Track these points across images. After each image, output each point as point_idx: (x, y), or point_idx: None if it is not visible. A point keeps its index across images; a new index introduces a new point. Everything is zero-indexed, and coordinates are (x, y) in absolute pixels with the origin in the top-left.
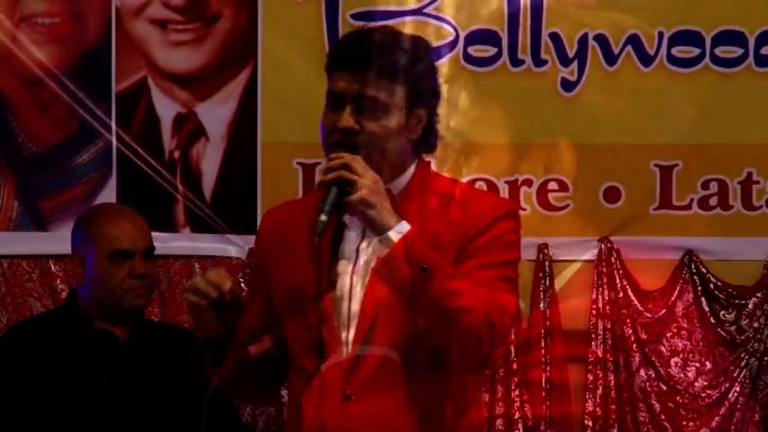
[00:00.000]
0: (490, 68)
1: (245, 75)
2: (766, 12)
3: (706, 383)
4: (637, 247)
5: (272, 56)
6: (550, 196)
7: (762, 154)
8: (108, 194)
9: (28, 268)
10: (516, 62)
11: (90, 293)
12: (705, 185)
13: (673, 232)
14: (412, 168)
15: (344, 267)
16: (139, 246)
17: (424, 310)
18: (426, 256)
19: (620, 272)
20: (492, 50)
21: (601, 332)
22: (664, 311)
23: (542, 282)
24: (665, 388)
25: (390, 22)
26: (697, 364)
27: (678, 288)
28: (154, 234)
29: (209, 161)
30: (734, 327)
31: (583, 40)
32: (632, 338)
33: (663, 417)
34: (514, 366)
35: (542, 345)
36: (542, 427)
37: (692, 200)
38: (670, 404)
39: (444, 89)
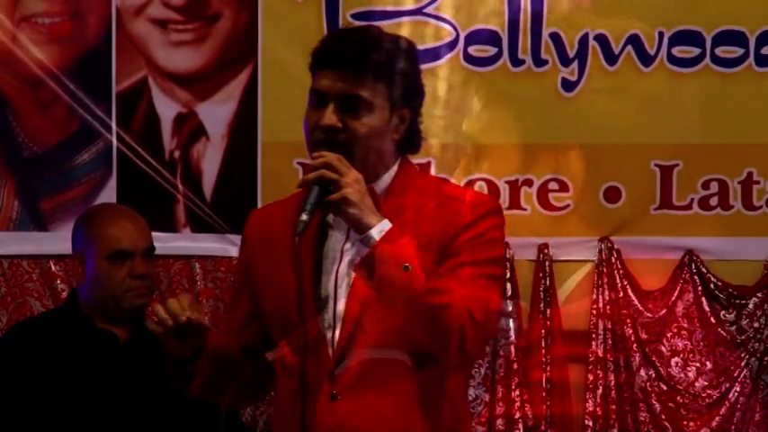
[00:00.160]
0: (490, 68)
1: (246, 75)
2: (767, 12)
3: (706, 383)
4: (637, 247)
5: (272, 56)
6: (551, 196)
7: (762, 154)
8: (108, 194)
9: (28, 268)
10: (517, 62)
11: (90, 293)
12: (705, 185)
13: (673, 232)
14: (395, 167)
15: (329, 267)
16: (139, 246)
17: (407, 309)
18: (408, 254)
19: (621, 272)
20: (492, 50)
21: (601, 332)
22: (664, 311)
23: (542, 282)
24: (665, 388)
25: (391, 22)
26: (697, 364)
27: (678, 288)
28: (154, 234)
29: (210, 161)
30: (734, 327)
31: (583, 41)
32: (633, 338)
33: (663, 417)
34: (515, 366)
35: (543, 345)
36: (543, 427)
37: (692, 200)
38: (670, 404)
39: (444, 89)
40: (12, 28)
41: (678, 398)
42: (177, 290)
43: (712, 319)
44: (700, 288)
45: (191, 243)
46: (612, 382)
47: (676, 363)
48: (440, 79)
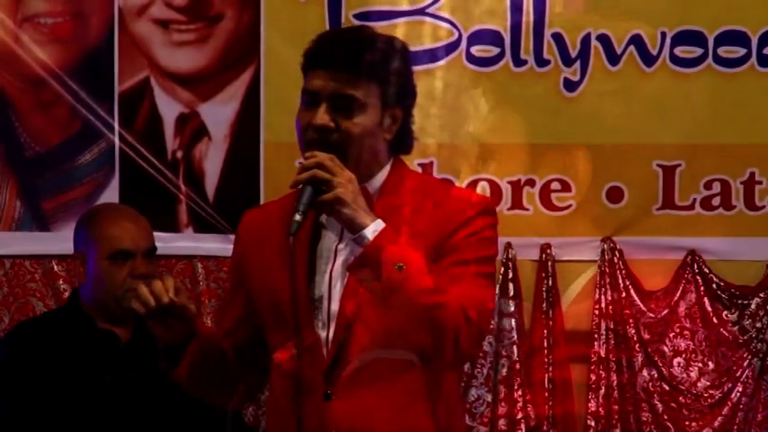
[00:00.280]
0: (493, 69)
1: (248, 75)
2: None
3: (709, 383)
4: (639, 247)
5: (274, 56)
6: (553, 196)
7: (765, 154)
8: (110, 194)
9: (30, 268)
10: (519, 62)
11: (91, 293)
12: (708, 185)
13: (675, 232)
14: (388, 167)
15: (323, 267)
16: (141, 246)
17: (401, 308)
18: (402, 253)
19: (623, 272)
20: (495, 50)
21: (603, 332)
22: (666, 311)
23: (545, 282)
24: (667, 388)
25: (393, 22)
26: (700, 365)
27: (681, 288)
28: (156, 234)
29: (212, 161)
30: (737, 327)
31: (585, 41)
32: (635, 338)
33: (665, 417)
34: (517, 366)
35: (545, 345)
36: (545, 428)
37: (694, 200)
38: (673, 404)
39: (446, 90)
40: (14, 28)
41: (680, 398)
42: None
43: (715, 320)
44: (702, 288)
45: (193, 243)
46: (615, 382)
47: (679, 363)
48: (442, 80)
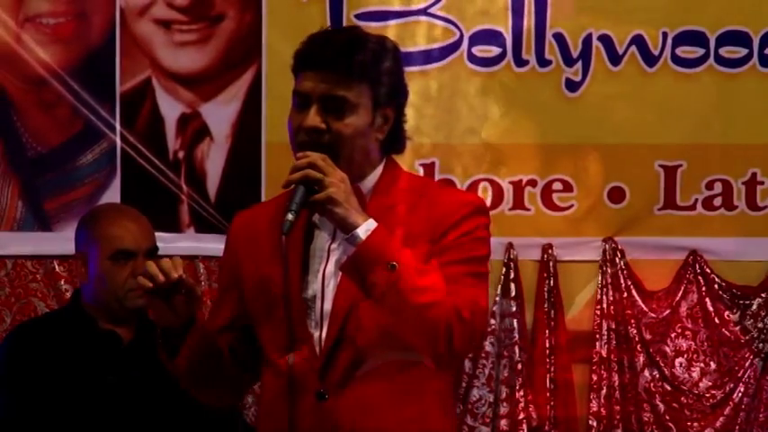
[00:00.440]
0: (494, 69)
1: (250, 75)
2: None
3: (710, 384)
4: (641, 247)
5: (276, 56)
6: (555, 197)
7: (766, 154)
8: (112, 195)
9: (32, 268)
10: (520, 62)
11: (93, 294)
12: (709, 186)
13: (677, 232)
14: (380, 167)
15: (316, 267)
16: (142, 246)
17: (393, 307)
18: (394, 252)
19: (625, 272)
20: (496, 51)
21: (605, 332)
22: (668, 312)
23: (547, 282)
24: (669, 388)
25: (394, 23)
26: (701, 365)
27: (682, 288)
28: (158, 234)
29: (214, 161)
30: (738, 327)
31: (587, 41)
32: (636, 339)
33: (667, 417)
34: (519, 367)
35: (547, 345)
36: (546, 428)
37: (696, 200)
38: (674, 404)
39: (447, 90)
40: (16, 28)
41: (682, 398)
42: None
43: (716, 320)
44: (704, 288)
45: (195, 243)
46: (616, 382)
47: (680, 363)
48: (442, 80)
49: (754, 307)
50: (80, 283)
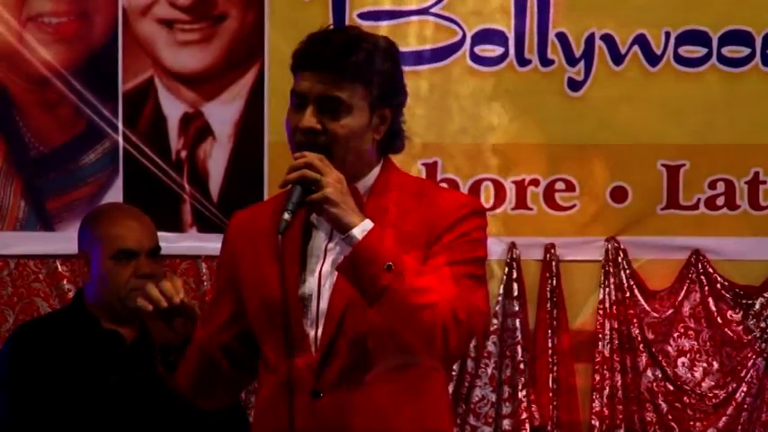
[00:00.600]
0: (497, 68)
1: (252, 74)
2: None
3: (713, 383)
4: (644, 246)
5: (278, 56)
6: (557, 196)
7: None
8: (114, 194)
9: (35, 268)
10: (523, 62)
11: (96, 293)
12: (712, 185)
13: (680, 232)
14: (378, 167)
15: (313, 266)
16: (145, 245)
17: (390, 308)
18: (391, 253)
19: (627, 272)
20: (499, 50)
21: (608, 332)
22: (671, 311)
23: (549, 282)
24: (671, 388)
25: (397, 22)
26: (704, 365)
27: (685, 288)
28: (160, 234)
29: (216, 161)
30: (741, 327)
31: (590, 40)
32: (639, 338)
33: (670, 417)
34: (521, 366)
35: (549, 345)
36: (549, 428)
37: (698, 200)
38: (677, 404)
39: (450, 89)
40: (18, 28)
41: (685, 398)
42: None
43: (719, 319)
44: (706, 288)
45: (197, 243)
46: (619, 382)
47: (683, 363)
48: (446, 79)
49: (757, 306)
50: (83, 283)
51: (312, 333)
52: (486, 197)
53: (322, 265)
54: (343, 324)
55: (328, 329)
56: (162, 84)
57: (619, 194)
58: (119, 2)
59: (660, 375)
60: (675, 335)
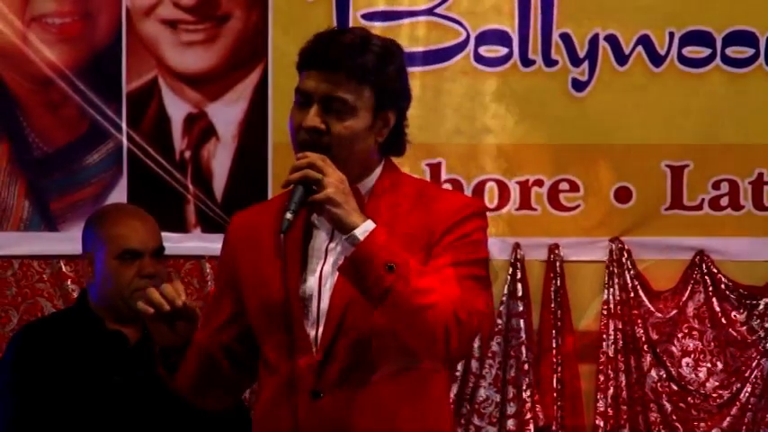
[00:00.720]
0: (501, 69)
1: (256, 75)
2: None
3: (717, 384)
4: (648, 247)
5: (282, 56)
6: (561, 196)
7: None
8: (118, 195)
9: (39, 268)
10: (527, 62)
11: (100, 293)
12: (716, 186)
13: (684, 232)
14: (379, 168)
15: (313, 266)
16: (149, 245)
17: (391, 309)
18: (393, 253)
19: (632, 272)
20: (503, 50)
21: (612, 332)
22: (675, 312)
23: (553, 282)
24: (676, 388)
25: (400, 23)
26: (708, 365)
27: (689, 288)
28: (164, 234)
29: (220, 161)
30: (745, 327)
31: (593, 41)
32: (643, 339)
33: (674, 417)
34: (525, 367)
35: (553, 345)
36: (553, 428)
37: (702, 200)
38: (681, 404)
39: (454, 90)
40: (22, 28)
41: (689, 398)
42: (188, 290)
43: (723, 320)
44: (710, 288)
45: (201, 243)
46: (623, 382)
47: (687, 363)
48: (449, 80)
49: (761, 307)
50: (87, 283)
51: (313, 333)
52: (490, 198)
53: (323, 266)
54: (344, 324)
55: (329, 330)
56: (166, 84)
57: (623, 195)
58: (122, 2)
59: (664, 376)
60: (680, 335)
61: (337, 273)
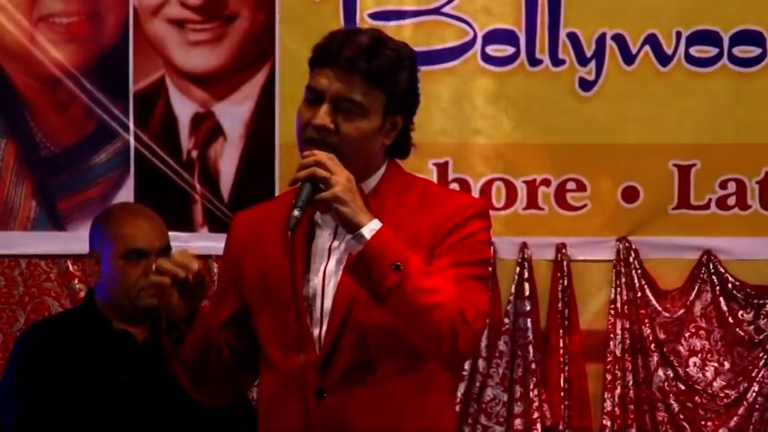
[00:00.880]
0: (508, 68)
1: (263, 74)
2: None
3: (724, 383)
4: (655, 246)
5: (289, 56)
6: (568, 196)
7: None
8: (126, 194)
9: (46, 268)
10: (534, 62)
11: (106, 293)
12: (723, 185)
13: (691, 232)
14: (383, 168)
15: (317, 266)
16: (155, 245)
17: (398, 308)
18: (399, 253)
19: (639, 271)
20: (510, 50)
21: (619, 332)
22: (682, 311)
23: (560, 282)
24: (683, 388)
25: (407, 22)
26: (715, 364)
27: (696, 288)
28: (171, 234)
29: (227, 161)
30: (752, 326)
31: (600, 40)
32: (650, 338)
33: (681, 417)
34: (533, 366)
35: (561, 344)
36: (561, 427)
37: (710, 199)
38: (688, 404)
39: (461, 89)
40: (29, 28)
41: (696, 398)
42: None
43: (730, 319)
44: (718, 288)
45: (208, 243)
46: (630, 381)
47: (694, 363)
48: (457, 79)
49: None
50: (94, 283)
51: (316, 332)
52: (497, 197)
53: (326, 265)
54: (347, 323)
55: (332, 329)
56: (173, 83)
57: (630, 194)
58: (130, 2)
59: (671, 375)
60: (687, 335)
61: (341, 272)
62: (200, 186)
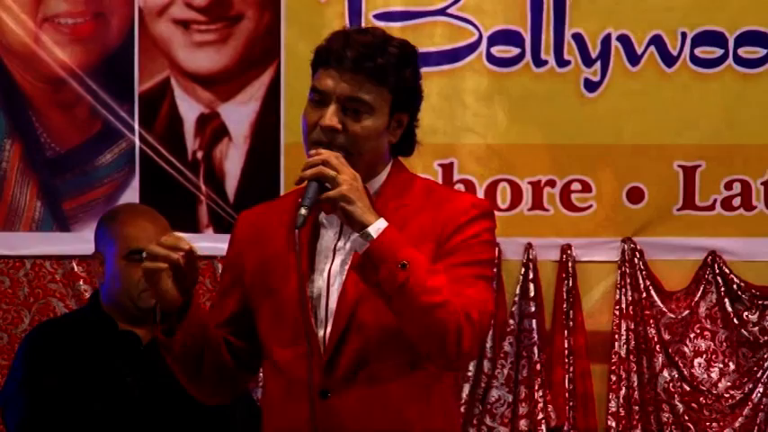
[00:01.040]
0: (513, 69)
1: (268, 75)
2: None
3: (729, 384)
4: (660, 247)
5: (295, 56)
6: (573, 197)
7: None
8: (131, 195)
9: (51, 269)
10: (539, 63)
11: (109, 293)
12: (728, 186)
13: (696, 233)
14: (387, 168)
15: (321, 266)
16: None
17: (403, 307)
18: (405, 252)
19: (644, 272)
20: (515, 51)
21: (624, 333)
22: (687, 312)
23: (566, 282)
24: (688, 388)
25: (413, 23)
26: (720, 365)
27: (701, 289)
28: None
29: (233, 161)
30: (757, 327)
31: (606, 41)
32: (655, 339)
33: (686, 417)
34: (538, 367)
35: (565, 345)
36: (565, 428)
37: (715, 200)
38: (693, 405)
39: (466, 90)
40: (35, 28)
41: (701, 398)
42: (199, 290)
43: (735, 320)
44: (722, 289)
45: (213, 244)
46: (635, 382)
47: (699, 363)
48: (461, 80)
49: None
50: (98, 283)
51: (321, 332)
52: (503, 198)
53: (331, 265)
54: (352, 324)
55: (337, 329)
56: (178, 84)
57: (635, 195)
58: (135, 2)
59: (676, 376)
60: (692, 335)
61: (345, 272)
62: (206, 187)
